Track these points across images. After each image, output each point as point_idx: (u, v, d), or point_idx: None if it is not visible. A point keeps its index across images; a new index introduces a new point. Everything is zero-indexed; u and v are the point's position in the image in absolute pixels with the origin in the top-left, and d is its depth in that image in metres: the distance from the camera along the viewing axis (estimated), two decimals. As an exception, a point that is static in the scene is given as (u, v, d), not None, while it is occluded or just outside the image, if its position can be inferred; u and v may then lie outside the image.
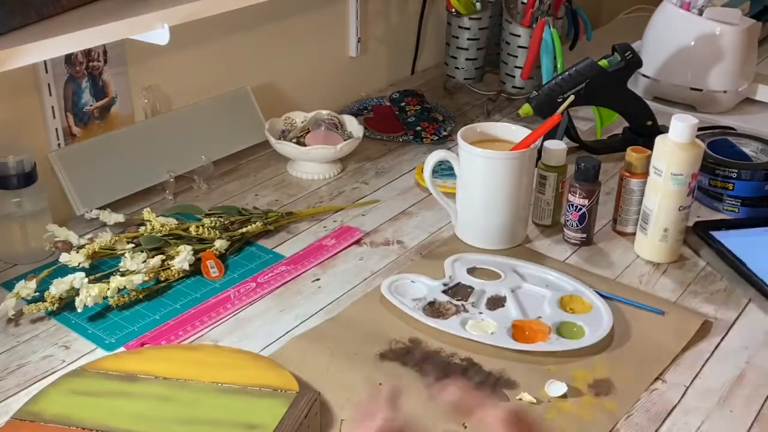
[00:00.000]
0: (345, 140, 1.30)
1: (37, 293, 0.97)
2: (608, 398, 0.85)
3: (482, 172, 1.08)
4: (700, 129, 1.45)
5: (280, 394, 0.80)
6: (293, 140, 1.31)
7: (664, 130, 1.42)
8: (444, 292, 1.00)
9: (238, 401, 0.79)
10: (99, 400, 0.80)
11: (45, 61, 1.10)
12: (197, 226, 1.08)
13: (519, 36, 1.50)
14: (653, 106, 1.57)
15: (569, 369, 0.89)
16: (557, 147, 1.14)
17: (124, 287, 0.98)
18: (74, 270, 1.00)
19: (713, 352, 0.93)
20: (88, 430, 0.76)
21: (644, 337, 0.94)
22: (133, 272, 1.00)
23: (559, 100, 1.29)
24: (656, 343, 0.93)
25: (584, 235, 1.11)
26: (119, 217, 1.12)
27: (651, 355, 0.91)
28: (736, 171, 1.19)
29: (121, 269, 1.01)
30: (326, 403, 0.83)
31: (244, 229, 1.11)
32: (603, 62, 1.33)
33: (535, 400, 0.84)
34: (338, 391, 0.85)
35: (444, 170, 1.26)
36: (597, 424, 0.82)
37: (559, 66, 1.45)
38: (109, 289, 0.96)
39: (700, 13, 1.50)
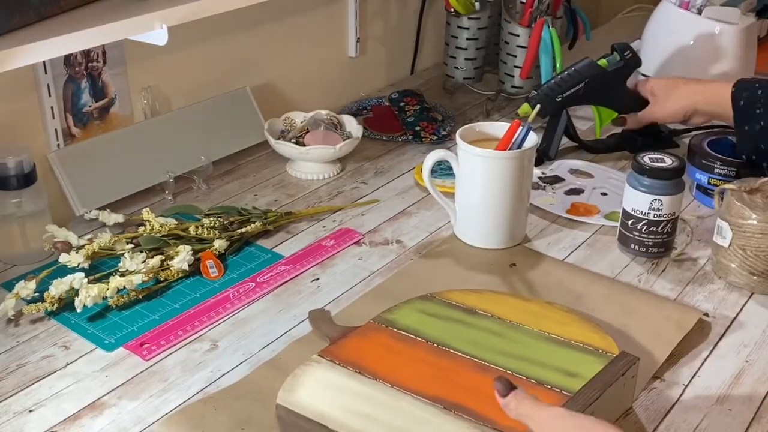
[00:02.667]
0: (344, 140, 1.30)
1: (37, 293, 0.97)
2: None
3: (481, 171, 1.08)
4: (697, 128, 1.46)
5: (601, 354, 0.84)
6: (292, 140, 1.31)
7: (662, 129, 1.43)
8: (540, 178, 1.27)
9: (561, 351, 0.85)
10: (442, 322, 0.89)
11: (44, 62, 1.10)
12: (196, 227, 1.08)
13: (518, 36, 1.50)
14: (652, 105, 1.57)
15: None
16: None
17: (124, 287, 0.98)
18: (74, 270, 1.00)
19: (712, 350, 0.93)
20: (432, 343, 0.86)
21: (643, 329, 0.94)
22: (132, 272, 1.00)
23: (558, 100, 1.30)
24: (655, 336, 0.93)
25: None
26: (119, 218, 1.12)
27: (650, 349, 0.91)
28: (736, 169, 1.19)
29: (120, 269, 1.01)
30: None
31: (243, 229, 1.11)
32: (602, 62, 1.34)
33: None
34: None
35: (443, 170, 1.27)
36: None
37: (558, 66, 1.45)
38: (108, 289, 0.96)
39: (699, 12, 1.50)
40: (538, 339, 0.87)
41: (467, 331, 0.88)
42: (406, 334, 0.87)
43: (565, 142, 1.38)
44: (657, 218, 1.06)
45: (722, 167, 1.19)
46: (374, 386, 0.80)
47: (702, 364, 0.91)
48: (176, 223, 1.10)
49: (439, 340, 0.86)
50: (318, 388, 0.81)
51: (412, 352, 0.85)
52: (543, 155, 1.33)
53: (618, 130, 1.44)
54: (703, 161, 1.20)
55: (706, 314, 0.98)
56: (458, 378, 0.81)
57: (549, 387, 0.79)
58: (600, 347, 0.85)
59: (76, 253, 1.01)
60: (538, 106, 1.21)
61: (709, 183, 1.21)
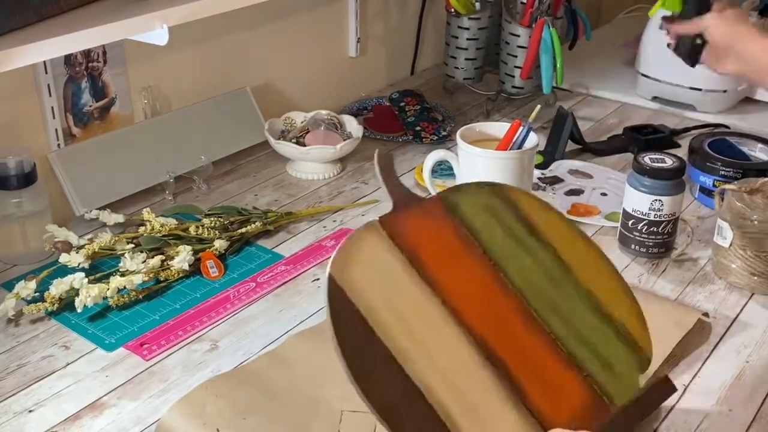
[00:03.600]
0: (344, 140, 1.30)
1: (37, 293, 0.97)
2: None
3: (481, 172, 1.08)
4: (695, 128, 1.46)
5: (640, 356, 0.79)
6: (293, 140, 1.31)
7: (662, 129, 1.43)
8: (540, 178, 1.27)
9: (604, 332, 0.79)
10: (503, 235, 0.81)
11: (44, 62, 1.10)
12: (197, 227, 1.08)
13: (518, 36, 1.50)
14: (653, 105, 1.58)
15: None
16: None
17: (124, 287, 0.98)
18: (74, 270, 1.00)
19: (712, 351, 0.93)
20: (489, 260, 0.79)
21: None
22: (132, 272, 1.00)
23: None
24: (655, 335, 0.93)
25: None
26: (119, 218, 1.12)
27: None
28: (741, 171, 1.18)
29: (120, 269, 1.01)
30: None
31: (243, 229, 1.11)
32: None
33: None
34: (338, 385, 0.84)
35: (443, 170, 1.27)
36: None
37: (558, 66, 1.45)
38: (108, 289, 0.96)
39: (700, 12, 1.50)
40: (586, 302, 0.80)
41: (524, 257, 0.80)
42: (468, 234, 0.79)
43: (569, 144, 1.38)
44: (657, 218, 1.06)
45: (727, 169, 1.19)
46: (423, 291, 0.74)
47: (702, 364, 0.91)
48: (176, 223, 1.10)
49: (496, 258, 0.79)
50: (370, 268, 0.73)
51: (468, 263, 0.78)
52: (550, 159, 1.33)
53: (619, 131, 1.44)
54: (707, 163, 1.20)
55: (706, 314, 0.98)
56: (506, 324, 0.76)
57: (585, 375, 0.76)
58: (639, 342, 0.80)
59: (77, 253, 1.01)
60: (538, 106, 1.20)
61: (714, 185, 1.20)
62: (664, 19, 1.16)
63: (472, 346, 0.73)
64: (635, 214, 1.07)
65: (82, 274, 0.97)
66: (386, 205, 1.21)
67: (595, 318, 0.80)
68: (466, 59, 1.57)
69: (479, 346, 0.73)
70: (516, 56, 1.52)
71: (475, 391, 0.72)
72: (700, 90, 1.52)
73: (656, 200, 1.05)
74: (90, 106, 1.19)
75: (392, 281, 0.74)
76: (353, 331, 0.70)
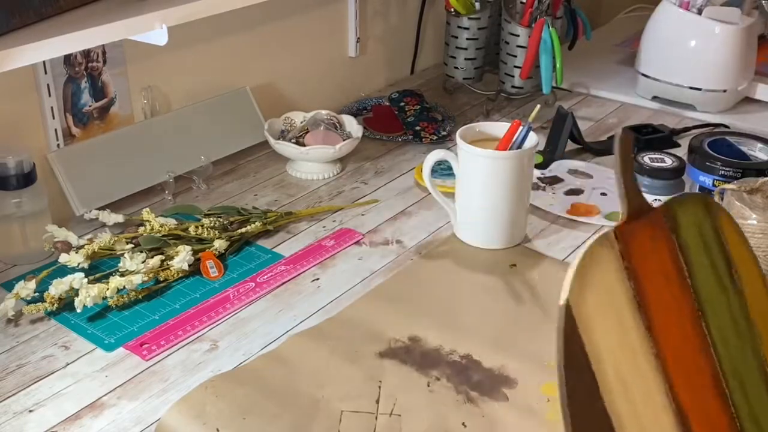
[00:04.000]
0: (344, 140, 1.30)
1: (37, 294, 0.97)
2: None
3: (481, 171, 1.08)
4: (695, 128, 1.46)
5: None
6: (292, 140, 1.31)
7: (662, 129, 1.43)
8: (539, 178, 1.26)
9: None
10: (707, 267, 0.69)
11: (44, 62, 1.10)
12: (196, 227, 1.08)
13: (518, 36, 1.50)
14: (653, 105, 1.58)
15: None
16: None
17: (124, 287, 0.98)
18: (73, 270, 1.00)
19: (712, 351, 0.93)
20: (695, 304, 0.66)
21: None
22: (132, 272, 1.00)
23: None
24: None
25: None
26: (118, 218, 1.12)
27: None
28: (741, 171, 1.18)
29: (120, 269, 1.01)
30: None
31: (243, 229, 1.11)
32: None
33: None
34: (338, 385, 0.85)
35: (443, 170, 1.27)
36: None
37: (558, 66, 1.45)
38: (108, 289, 0.96)
39: (700, 12, 1.50)
40: (762, 374, 0.68)
41: (722, 304, 0.68)
42: (683, 263, 0.67)
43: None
44: (657, 218, 1.06)
45: (727, 169, 1.19)
46: (642, 342, 0.63)
47: (702, 364, 0.91)
48: (176, 223, 1.10)
49: (701, 301, 0.66)
50: (602, 299, 0.62)
51: (678, 300, 0.66)
52: (549, 159, 1.33)
53: (619, 130, 1.44)
54: (707, 163, 1.20)
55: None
56: (704, 396, 0.65)
57: None
58: None
59: (76, 253, 1.01)
60: (538, 106, 1.20)
61: (713, 185, 1.20)
62: None
63: (677, 427, 0.63)
64: (635, 214, 1.07)
65: (82, 274, 0.97)
66: (388, 206, 1.23)
67: (762, 384, 0.69)
68: (465, 59, 1.57)
69: (683, 426, 0.63)
70: (516, 56, 1.52)
71: None
72: (699, 90, 1.52)
73: (656, 200, 1.05)
74: (90, 106, 1.19)
75: (619, 322, 0.63)
76: (580, 380, 0.60)
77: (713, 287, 0.68)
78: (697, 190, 1.24)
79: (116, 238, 1.05)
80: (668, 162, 1.06)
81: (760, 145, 1.25)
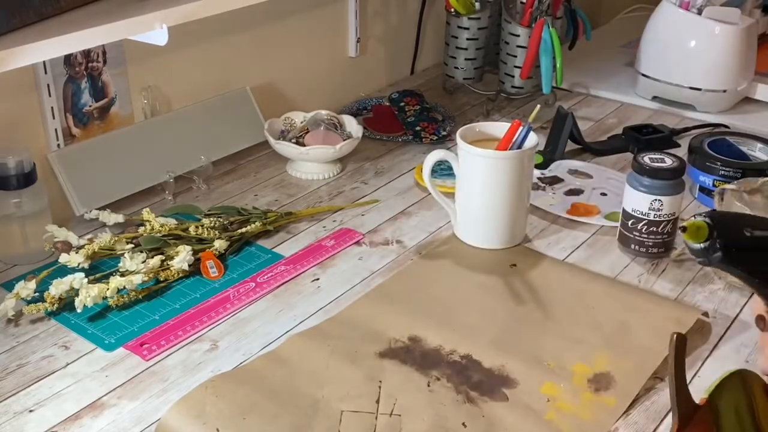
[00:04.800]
0: (344, 140, 1.30)
1: (37, 294, 0.97)
2: (608, 393, 0.85)
3: (481, 171, 1.08)
4: (695, 128, 1.46)
5: None
6: (293, 140, 1.31)
7: (662, 129, 1.43)
8: (539, 178, 1.26)
9: None
10: None
11: (44, 62, 1.10)
12: (197, 227, 1.08)
13: (518, 36, 1.50)
14: (653, 105, 1.58)
15: (569, 365, 0.89)
16: None
17: (124, 287, 0.98)
18: (74, 270, 1.00)
19: (712, 351, 0.93)
20: None
21: (643, 327, 0.94)
22: (132, 272, 1.00)
23: (747, 233, 0.77)
24: (655, 333, 0.93)
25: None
26: (119, 218, 1.12)
27: (650, 346, 0.91)
28: (741, 171, 1.18)
29: (120, 269, 1.01)
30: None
31: (243, 230, 1.11)
32: None
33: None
34: (338, 385, 0.85)
35: (443, 170, 1.27)
36: (597, 424, 0.82)
37: (558, 66, 1.45)
38: (108, 289, 0.96)
39: (700, 12, 1.50)
40: None
41: None
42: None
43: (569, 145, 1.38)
44: (657, 218, 1.06)
45: (727, 169, 1.19)
46: None
47: (702, 364, 0.91)
48: (176, 223, 1.10)
49: None
50: None
51: None
52: (549, 159, 1.33)
53: (619, 131, 1.44)
54: (707, 163, 1.20)
55: (706, 314, 0.98)
56: None
57: None
58: None
59: (76, 253, 1.02)
60: (538, 106, 1.19)
61: (713, 185, 1.20)
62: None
63: None
64: (635, 214, 1.07)
65: (82, 274, 0.97)
66: (388, 206, 1.23)
67: None
68: (465, 59, 1.57)
69: None
70: (516, 56, 1.52)
71: None
72: (699, 90, 1.52)
73: (656, 200, 1.05)
74: (90, 106, 1.19)
75: None
76: None
77: None
78: (697, 190, 1.24)
79: (116, 238, 1.05)
80: (668, 162, 1.06)
81: (760, 145, 1.25)
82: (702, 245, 0.74)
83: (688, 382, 0.70)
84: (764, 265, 0.77)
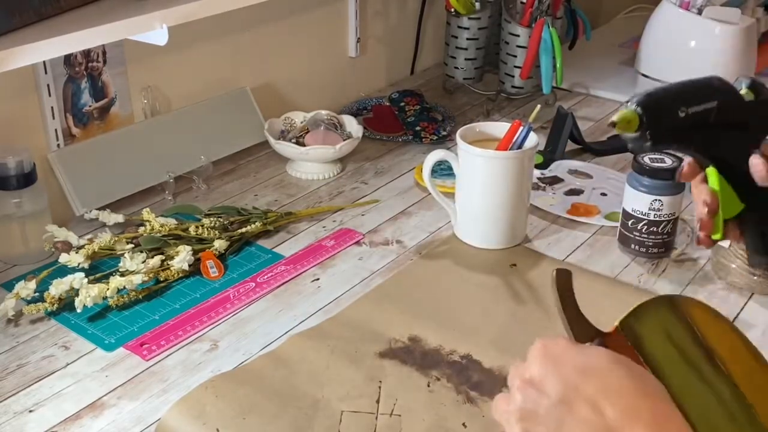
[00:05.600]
0: (344, 140, 1.30)
1: (37, 294, 0.97)
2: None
3: (481, 171, 1.08)
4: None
5: None
6: (293, 140, 1.31)
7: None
8: (539, 178, 1.26)
9: None
10: (681, 365, 0.67)
11: (44, 62, 1.10)
12: (197, 227, 1.08)
13: (518, 36, 1.50)
14: (652, 105, 1.58)
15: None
16: None
17: (124, 287, 0.98)
18: (74, 270, 1.00)
19: (712, 351, 0.93)
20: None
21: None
22: (132, 272, 1.00)
23: (680, 114, 0.76)
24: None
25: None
26: (119, 218, 1.12)
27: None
28: None
29: (120, 269, 1.01)
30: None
31: (243, 230, 1.11)
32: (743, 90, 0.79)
33: None
34: (338, 385, 0.85)
35: (443, 170, 1.27)
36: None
37: (558, 66, 1.45)
38: (108, 289, 0.96)
39: (700, 12, 1.50)
40: None
41: (706, 395, 0.66)
42: (642, 360, 0.67)
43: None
44: (657, 218, 1.06)
45: None
46: None
47: (702, 364, 0.91)
48: (176, 223, 1.10)
49: (678, 398, 0.65)
50: None
51: None
52: (549, 159, 1.33)
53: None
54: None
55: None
56: None
57: None
58: None
59: (76, 253, 1.01)
60: (538, 106, 1.19)
61: (711, 184, 1.20)
62: None
63: None
64: (635, 214, 1.07)
65: (82, 274, 0.97)
66: (388, 206, 1.23)
67: None
68: (466, 59, 1.57)
69: None
70: (516, 56, 1.52)
71: None
72: (699, 90, 1.52)
73: (656, 200, 1.05)
74: (90, 106, 1.19)
75: None
76: None
77: (691, 382, 0.67)
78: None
79: (116, 238, 1.05)
80: (668, 162, 1.06)
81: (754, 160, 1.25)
82: (634, 135, 0.72)
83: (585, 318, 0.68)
84: (701, 139, 0.75)
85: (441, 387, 0.85)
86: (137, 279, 0.99)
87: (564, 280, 0.69)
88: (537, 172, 1.29)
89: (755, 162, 0.73)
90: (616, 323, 0.68)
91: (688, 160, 0.76)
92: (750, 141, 0.75)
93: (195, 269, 1.05)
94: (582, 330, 0.68)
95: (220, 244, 1.07)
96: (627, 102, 0.74)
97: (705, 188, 0.75)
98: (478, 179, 1.09)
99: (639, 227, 1.08)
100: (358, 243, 1.13)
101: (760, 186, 0.74)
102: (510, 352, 0.90)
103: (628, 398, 0.57)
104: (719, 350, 0.70)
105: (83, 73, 1.17)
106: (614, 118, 0.73)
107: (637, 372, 0.60)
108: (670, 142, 0.74)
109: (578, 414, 0.56)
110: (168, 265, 1.03)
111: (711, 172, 0.76)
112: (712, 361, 0.69)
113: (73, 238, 1.04)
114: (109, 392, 0.86)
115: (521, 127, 1.09)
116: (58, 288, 0.96)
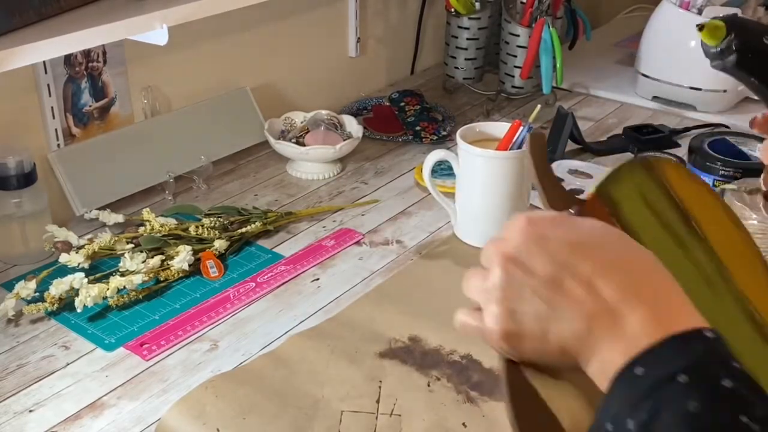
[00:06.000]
0: (344, 140, 1.30)
1: (37, 294, 0.97)
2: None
3: (481, 171, 1.08)
4: (695, 128, 1.46)
5: None
6: (293, 140, 1.31)
7: (662, 129, 1.43)
8: None
9: (760, 349, 0.63)
10: (657, 228, 0.65)
11: (44, 62, 1.10)
12: (197, 227, 1.08)
13: (518, 36, 1.50)
14: (653, 105, 1.58)
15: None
16: None
17: (124, 287, 0.98)
18: (74, 270, 1.00)
19: (712, 351, 0.93)
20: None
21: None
22: (132, 272, 1.00)
23: (766, 41, 0.77)
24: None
25: None
26: (119, 218, 1.12)
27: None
28: (741, 171, 1.18)
29: (120, 269, 1.01)
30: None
31: (243, 229, 1.11)
32: None
33: None
34: (338, 385, 0.85)
35: (443, 170, 1.27)
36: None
37: (558, 66, 1.45)
38: (108, 289, 0.96)
39: (700, 12, 1.50)
40: (742, 312, 0.65)
41: (682, 259, 0.65)
42: (617, 221, 0.65)
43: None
44: (657, 218, 1.06)
45: (727, 169, 1.19)
46: None
47: (702, 364, 0.91)
48: (176, 223, 1.10)
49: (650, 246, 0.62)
50: None
51: None
52: (550, 159, 1.33)
53: (619, 131, 1.44)
54: (707, 163, 1.20)
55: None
56: None
57: None
58: None
59: (76, 253, 1.01)
60: (538, 106, 1.19)
61: (714, 185, 1.20)
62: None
63: None
64: (635, 214, 1.07)
65: (82, 274, 0.97)
66: (388, 206, 1.23)
67: (752, 330, 0.65)
68: (466, 59, 1.57)
69: None
70: (516, 56, 1.52)
71: None
72: (700, 90, 1.52)
73: (656, 200, 1.05)
74: (90, 106, 1.19)
75: None
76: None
77: (668, 246, 0.66)
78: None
79: (116, 238, 1.05)
80: (668, 162, 1.06)
81: (759, 145, 1.25)
82: (718, 48, 0.71)
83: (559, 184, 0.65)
84: None
85: (441, 387, 0.85)
86: (137, 279, 0.99)
87: (539, 144, 0.66)
88: (537, 172, 1.28)
89: None
90: (593, 189, 0.66)
91: (765, 111, 0.73)
92: None
93: (195, 269, 1.05)
94: (558, 197, 0.65)
95: (220, 244, 1.07)
96: (715, 17, 0.71)
97: None
98: (478, 179, 1.09)
99: (639, 227, 1.07)
100: (358, 243, 1.13)
101: None
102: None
103: (626, 275, 0.51)
104: (695, 212, 0.68)
105: (83, 73, 1.17)
106: (702, 22, 0.71)
107: (633, 244, 0.54)
108: (753, 65, 0.73)
109: (571, 294, 0.51)
110: (168, 265, 1.03)
111: None
112: (688, 224, 0.67)
113: (73, 238, 1.04)
114: (109, 392, 0.86)
115: (521, 127, 1.09)
116: (58, 288, 0.96)
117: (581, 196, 0.65)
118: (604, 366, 0.49)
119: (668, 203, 0.67)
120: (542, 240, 0.53)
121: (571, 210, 0.62)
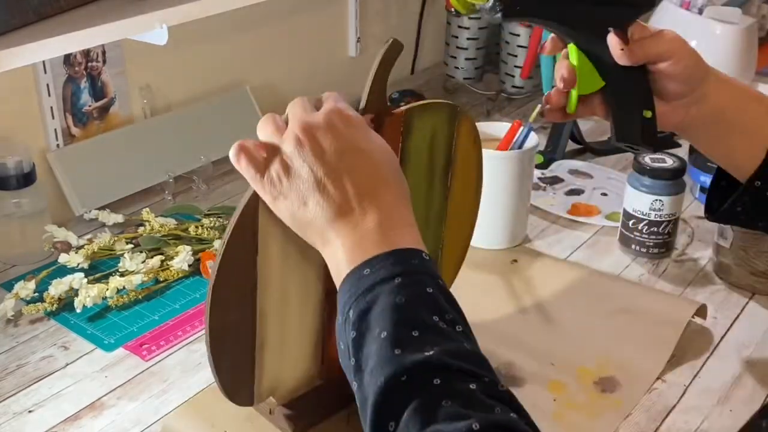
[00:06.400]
0: (344, 140, 1.30)
1: (36, 294, 0.97)
2: (614, 394, 0.85)
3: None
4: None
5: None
6: (292, 140, 1.31)
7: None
8: (540, 178, 1.26)
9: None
10: (425, 158, 0.78)
11: (44, 62, 1.10)
12: (196, 227, 1.08)
13: (518, 35, 1.50)
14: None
15: (575, 364, 0.89)
16: None
17: (123, 288, 0.98)
18: (73, 270, 1.00)
19: (713, 351, 0.93)
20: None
21: (647, 324, 0.94)
22: (132, 273, 1.00)
23: None
24: (657, 332, 0.93)
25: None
26: (118, 218, 1.12)
27: (655, 343, 0.92)
28: None
29: (120, 270, 1.01)
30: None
31: (243, 230, 1.11)
32: None
33: None
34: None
35: (443, 170, 1.26)
36: (604, 423, 0.82)
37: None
38: (108, 289, 0.96)
39: (700, 12, 1.50)
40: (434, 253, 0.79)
41: (421, 194, 0.78)
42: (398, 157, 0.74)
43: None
44: (658, 218, 1.06)
45: None
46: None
47: (703, 364, 0.91)
48: (176, 223, 1.10)
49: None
50: None
51: None
52: (550, 159, 1.33)
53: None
54: (708, 163, 1.20)
55: (704, 305, 0.97)
56: None
57: None
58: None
59: (76, 253, 1.01)
60: (539, 106, 1.17)
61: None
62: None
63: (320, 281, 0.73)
64: (636, 214, 1.07)
65: (82, 275, 0.97)
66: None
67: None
68: (466, 59, 1.56)
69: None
70: (516, 56, 1.52)
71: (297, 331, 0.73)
72: (700, 90, 1.51)
73: (657, 200, 1.05)
74: (89, 106, 1.19)
75: None
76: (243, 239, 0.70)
77: (419, 187, 0.76)
78: (698, 190, 1.24)
79: (116, 238, 1.05)
80: (669, 162, 1.06)
81: None
82: (486, 5, 0.74)
83: (396, 101, 0.75)
84: (563, 12, 0.78)
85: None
86: (137, 279, 0.99)
87: (394, 52, 0.74)
88: (537, 172, 1.28)
89: (612, 39, 0.78)
90: (405, 107, 0.74)
91: (551, 35, 0.80)
92: (612, 17, 0.80)
93: (195, 269, 1.05)
94: (376, 100, 0.74)
95: (219, 245, 1.07)
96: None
97: (566, 63, 0.79)
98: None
99: (640, 227, 1.07)
100: (358, 243, 1.13)
101: (618, 64, 0.77)
102: (514, 351, 0.90)
103: (375, 186, 0.62)
104: (457, 167, 0.79)
105: (83, 72, 1.16)
106: None
107: (395, 168, 0.64)
108: (525, 13, 0.77)
109: (330, 188, 0.62)
110: (168, 265, 1.03)
111: (572, 48, 0.79)
112: (446, 172, 0.79)
113: (72, 238, 1.04)
114: (109, 392, 0.86)
115: (521, 127, 1.09)
116: (57, 288, 0.96)
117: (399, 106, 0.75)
118: (336, 259, 0.61)
119: (445, 150, 0.78)
120: (334, 129, 0.66)
121: (371, 117, 0.73)
